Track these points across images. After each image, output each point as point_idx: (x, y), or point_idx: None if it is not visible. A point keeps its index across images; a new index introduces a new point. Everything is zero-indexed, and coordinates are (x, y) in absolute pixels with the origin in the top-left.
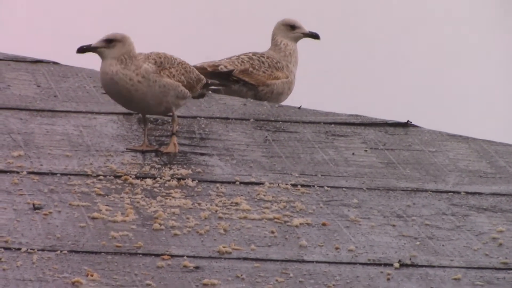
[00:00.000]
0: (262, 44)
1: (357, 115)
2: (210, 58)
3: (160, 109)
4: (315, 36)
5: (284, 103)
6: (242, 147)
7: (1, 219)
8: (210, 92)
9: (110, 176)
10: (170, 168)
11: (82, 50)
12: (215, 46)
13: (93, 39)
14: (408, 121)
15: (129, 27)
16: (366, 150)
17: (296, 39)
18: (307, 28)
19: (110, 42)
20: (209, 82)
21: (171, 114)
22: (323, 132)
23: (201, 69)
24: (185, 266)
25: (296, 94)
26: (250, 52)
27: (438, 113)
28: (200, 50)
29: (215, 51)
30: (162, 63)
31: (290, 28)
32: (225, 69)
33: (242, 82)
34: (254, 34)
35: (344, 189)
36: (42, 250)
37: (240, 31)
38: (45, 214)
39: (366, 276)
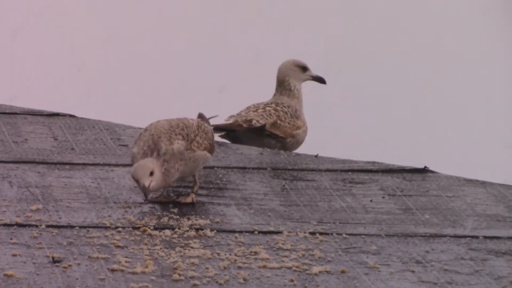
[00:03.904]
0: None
1: (374, 162)
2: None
3: (187, 178)
4: (321, 80)
5: (300, 151)
6: (260, 196)
7: (20, 272)
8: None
9: (128, 227)
10: (189, 219)
11: (147, 195)
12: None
13: (109, 92)
14: (425, 167)
15: (142, 73)
16: (384, 197)
17: (303, 81)
18: (314, 70)
19: (152, 174)
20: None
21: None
22: (340, 180)
23: (238, 126)
24: None
25: (312, 142)
26: (272, 103)
27: (455, 158)
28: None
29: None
30: (188, 134)
31: (302, 70)
32: (258, 124)
33: (273, 135)
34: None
35: (362, 236)
36: None
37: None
38: (65, 267)
39: None
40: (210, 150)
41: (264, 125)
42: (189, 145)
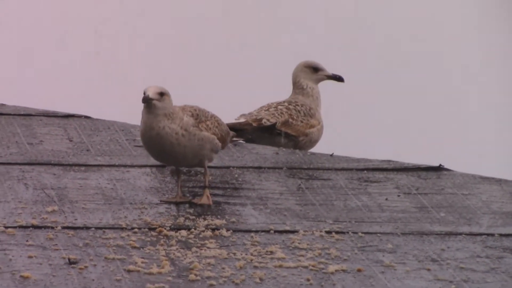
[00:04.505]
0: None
1: (389, 161)
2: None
3: (194, 162)
4: (339, 79)
5: (316, 150)
6: (275, 195)
7: (37, 274)
8: (240, 142)
9: (144, 228)
10: (205, 219)
11: (145, 100)
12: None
13: (123, 93)
14: (440, 165)
15: (151, 79)
16: (399, 195)
17: (319, 81)
18: (330, 70)
19: (162, 95)
20: (234, 135)
21: (202, 167)
22: (355, 179)
23: (246, 124)
24: None
25: (327, 141)
26: (285, 101)
27: (469, 156)
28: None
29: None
30: (199, 115)
31: (313, 70)
32: (268, 123)
33: (284, 134)
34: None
35: (378, 234)
36: None
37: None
38: (81, 269)
39: None
40: (220, 139)
41: (274, 124)
42: (197, 124)
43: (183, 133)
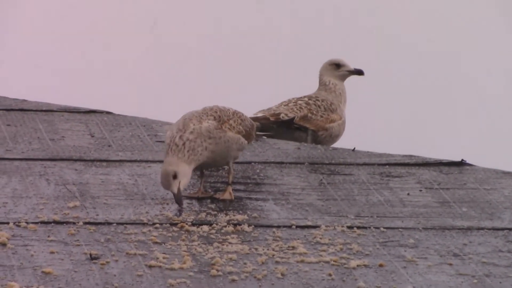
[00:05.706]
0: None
1: (411, 156)
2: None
3: (221, 163)
4: (359, 72)
5: (337, 145)
6: (297, 191)
7: (58, 270)
8: (263, 137)
9: (166, 224)
10: (226, 214)
11: (181, 203)
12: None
13: (146, 86)
14: (462, 160)
15: (173, 74)
16: (421, 190)
17: (343, 78)
18: (353, 66)
19: (175, 177)
20: (258, 126)
21: (227, 166)
22: (377, 174)
23: (264, 119)
24: None
25: (349, 136)
26: (305, 97)
27: (492, 150)
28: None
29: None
30: (220, 116)
31: (336, 67)
32: (286, 118)
33: (303, 128)
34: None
35: (400, 229)
36: None
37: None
38: (102, 264)
39: None
40: (245, 136)
41: (293, 118)
42: (220, 125)
43: (210, 141)
